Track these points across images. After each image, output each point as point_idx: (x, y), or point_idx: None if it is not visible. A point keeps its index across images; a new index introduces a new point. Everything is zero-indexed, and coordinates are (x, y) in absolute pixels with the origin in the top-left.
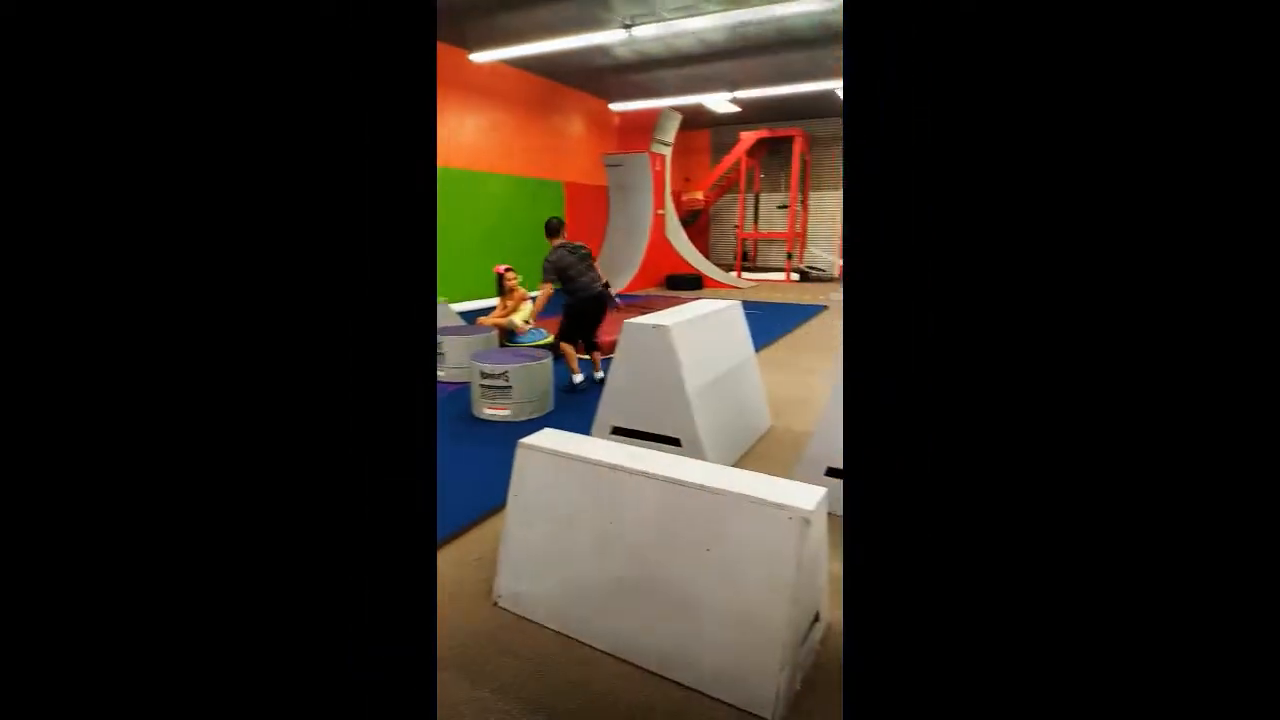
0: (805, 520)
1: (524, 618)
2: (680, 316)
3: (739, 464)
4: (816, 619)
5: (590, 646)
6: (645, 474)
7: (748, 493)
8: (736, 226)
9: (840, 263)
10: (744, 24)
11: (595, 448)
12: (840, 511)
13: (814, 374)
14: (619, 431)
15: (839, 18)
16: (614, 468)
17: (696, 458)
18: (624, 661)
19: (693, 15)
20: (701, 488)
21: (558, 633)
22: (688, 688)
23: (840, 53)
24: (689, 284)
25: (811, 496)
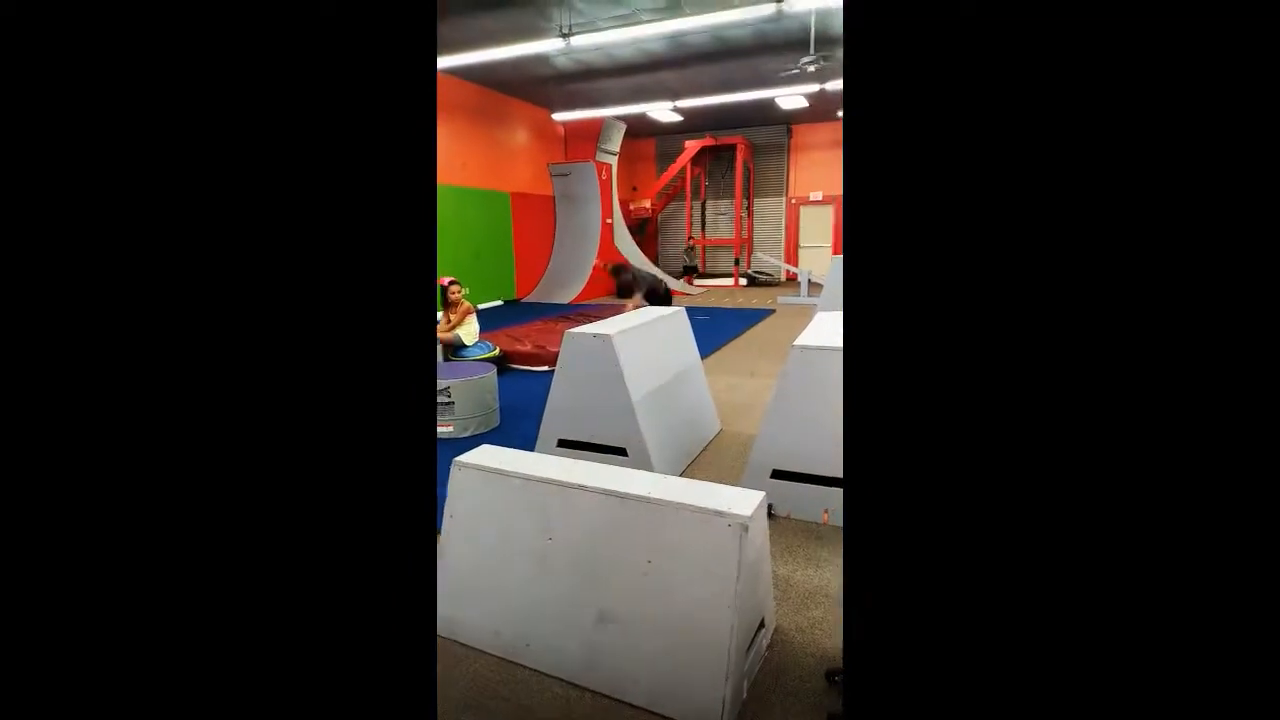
0: (744, 526)
1: (463, 644)
2: (622, 325)
3: (687, 471)
4: (762, 625)
5: (533, 670)
6: (581, 488)
7: (685, 501)
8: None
9: (786, 267)
10: (682, 33)
11: (532, 463)
12: (784, 513)
13: (763, 377)
14: (565, 444)
15: (775, 27)
16: (550, 483)
17: (643, 467)
18: (569, 684)
19: (630, 24)
20: (638, 499)
21: (500, 658)
22: (635, 706)
23: (776, 63)
24: None
25: (750, 502)
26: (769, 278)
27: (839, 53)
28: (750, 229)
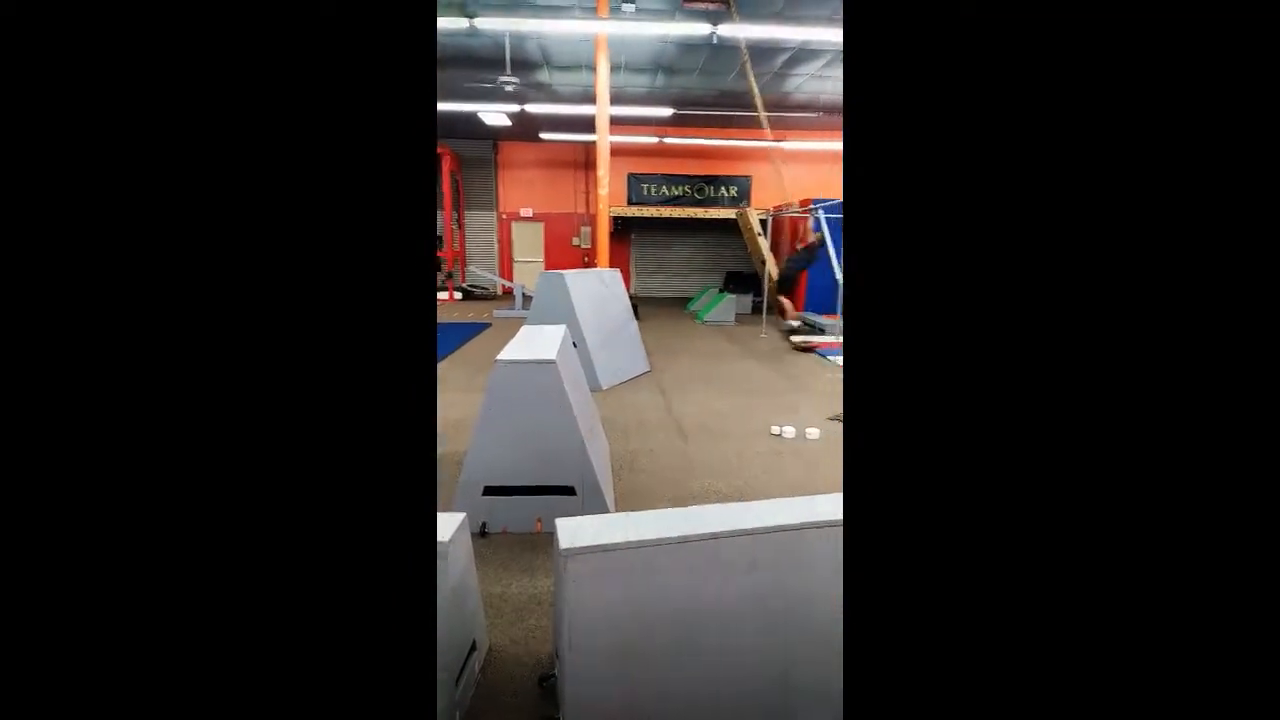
0: (443, 553)
1: None
2: None
3: None
4: (473, 648)
5: None
6: None
7: None
8: None
9: (502, 281)
10: None
11: None
12: (499, 529)
13: (480, 392)
14: None
15: (475, 42)
16: None
17: None
18: None
19: None
20: None
21: None
22: None
23: (476, 77)
24: None
25: (448, 526)
26: (484, 291)
27: (537, 75)
28: (463, 242)
